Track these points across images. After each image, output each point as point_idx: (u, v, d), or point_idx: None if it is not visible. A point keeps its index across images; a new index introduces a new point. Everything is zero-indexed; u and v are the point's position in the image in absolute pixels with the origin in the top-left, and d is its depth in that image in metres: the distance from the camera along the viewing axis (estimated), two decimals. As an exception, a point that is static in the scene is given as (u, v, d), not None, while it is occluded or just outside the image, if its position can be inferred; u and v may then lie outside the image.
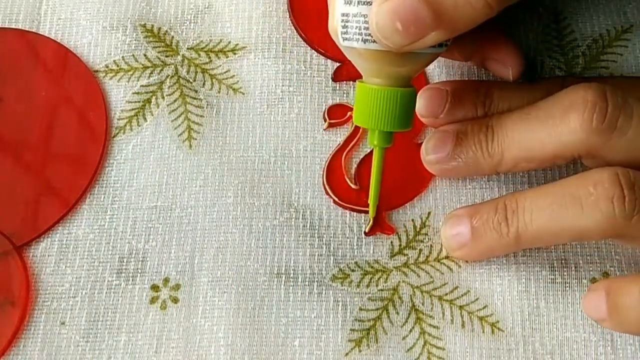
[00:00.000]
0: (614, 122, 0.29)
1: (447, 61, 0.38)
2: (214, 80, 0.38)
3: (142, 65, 0.38)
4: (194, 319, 0.33)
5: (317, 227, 0.34)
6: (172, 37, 0.39)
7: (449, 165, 0.33)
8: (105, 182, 0.35)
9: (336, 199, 0.35)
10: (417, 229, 0.34)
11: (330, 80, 0.37)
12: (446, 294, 0.33)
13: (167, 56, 0.38)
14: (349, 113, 0.37)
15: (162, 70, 0.38)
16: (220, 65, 0.38)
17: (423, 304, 0.33)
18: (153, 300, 0.33)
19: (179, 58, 0.38)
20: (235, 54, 0.38)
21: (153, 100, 0.37)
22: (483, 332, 0.32)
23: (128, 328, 0.33)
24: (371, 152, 0.36)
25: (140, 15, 0.39)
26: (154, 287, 0.33)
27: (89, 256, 0.34)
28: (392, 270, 0.34)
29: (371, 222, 0.34)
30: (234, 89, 0.37)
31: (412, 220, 0.35)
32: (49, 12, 0.39)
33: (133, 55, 0.38)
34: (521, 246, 0.31)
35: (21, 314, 0.32)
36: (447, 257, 0.34)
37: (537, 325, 0.32)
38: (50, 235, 0.34)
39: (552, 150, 0.30)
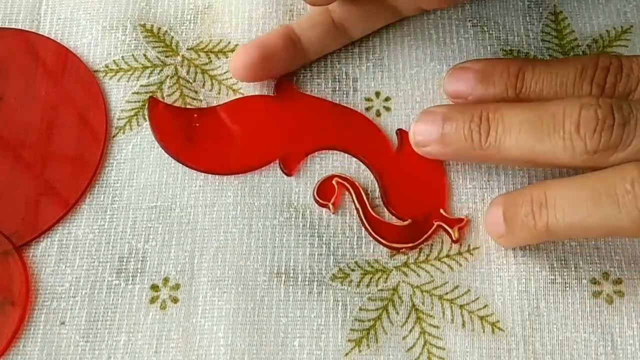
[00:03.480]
0: (617, 142, 0.29)
1: (469, 48, 0.38)
2: (213, 80, 0.38)
3: (142, 65, 0.38)
4: (193, 319, 0.33)
5: (317, 227, 0.34)
6: (172, 37, 0.39)
7: (439, 149, 0.33)
8: (105, 182, 0.35)
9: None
10: (417, 229, 0.34)
11: (330, 80, 0.37)
12: (446, 294, 0.33)
13: (166, 56, 0.38)
14: (334, 180, 0.35)
15: (162, 70, 0.38)
16: (220, 66, 0.38)
17: (423, 304, 0.33)
18: (153, 300, 0.33)
19: (179, 58, 0.38)
20: (235, 54, 0.38)
21: (153, 100, 0.37)
22: (483, 331, 0.32)
23: (128, 328, 0.33)
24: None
25: (140, 15, 0.39)
26: (154, 287, 0.33)
27: (88, 256, 0.34)
28: (392, 269, 0.34)
29: None
30: (233, 90, 0.37)
31: (412, 220, 0.35)
32: (49, 12, 0.39)
33: (133, 55, 0.38)
34: (551, 239, 0.32)
35: (21, 314, 0.32)
36: (447, 256, 0.34)
37: (537, 325, 0.32)
38: (50, 235, 0.34)
39: (552, 160, 0.30)
